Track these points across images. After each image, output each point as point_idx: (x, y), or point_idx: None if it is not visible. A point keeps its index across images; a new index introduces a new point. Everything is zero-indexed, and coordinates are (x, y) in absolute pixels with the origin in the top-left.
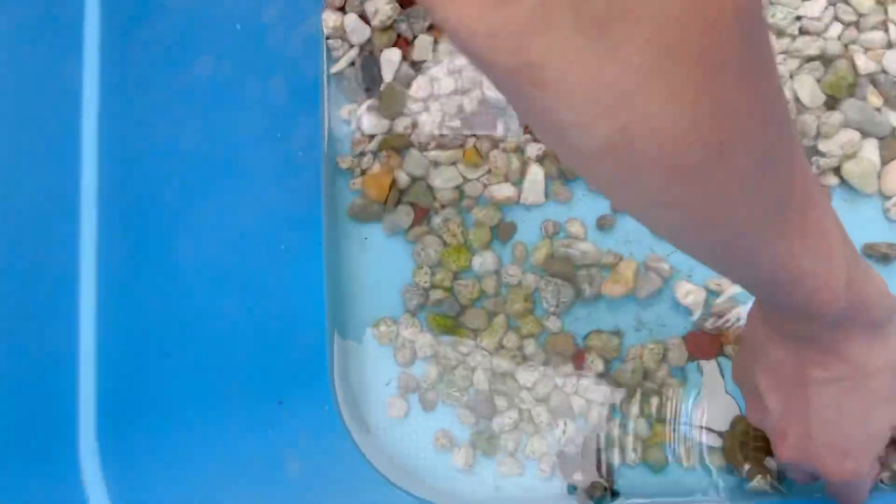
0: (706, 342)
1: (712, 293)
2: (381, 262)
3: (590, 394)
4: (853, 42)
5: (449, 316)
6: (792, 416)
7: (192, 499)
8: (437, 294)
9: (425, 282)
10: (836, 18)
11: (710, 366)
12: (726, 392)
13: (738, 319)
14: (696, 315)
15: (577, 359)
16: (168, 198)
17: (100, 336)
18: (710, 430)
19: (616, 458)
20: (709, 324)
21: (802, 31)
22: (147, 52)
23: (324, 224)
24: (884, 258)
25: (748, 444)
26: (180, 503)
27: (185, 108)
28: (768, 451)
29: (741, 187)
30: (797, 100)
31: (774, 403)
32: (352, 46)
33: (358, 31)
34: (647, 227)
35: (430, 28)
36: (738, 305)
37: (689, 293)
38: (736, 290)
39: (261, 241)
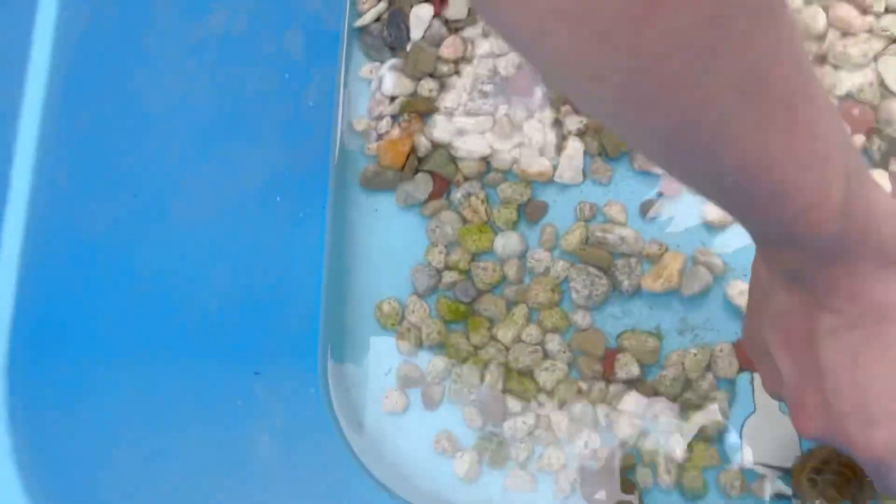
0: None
1: None
2: (392, 235)
3: (620, 402)
4: None
5: (463, 301)
6: (807, 379)
7: (123, 479)
8: (451, 276)
9: (439, 262)
10: None
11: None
12: (782, 413)
13: None
14: None
15: (608, 361)
16: (171, 152)
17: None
18: (765, 465)
19: (646, 480)
20: None
21: (889, 10)
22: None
23: (331, 189)
24: None
25: (823, 478)
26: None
27: (195, 62)
28: (850, 488)
29: (684, 53)
30: (882, 83)
31: (787, 367)
32: (379, 0)
33: None
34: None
35: None
36: None
37: (743, 293)
38: None
39: (260, 200)
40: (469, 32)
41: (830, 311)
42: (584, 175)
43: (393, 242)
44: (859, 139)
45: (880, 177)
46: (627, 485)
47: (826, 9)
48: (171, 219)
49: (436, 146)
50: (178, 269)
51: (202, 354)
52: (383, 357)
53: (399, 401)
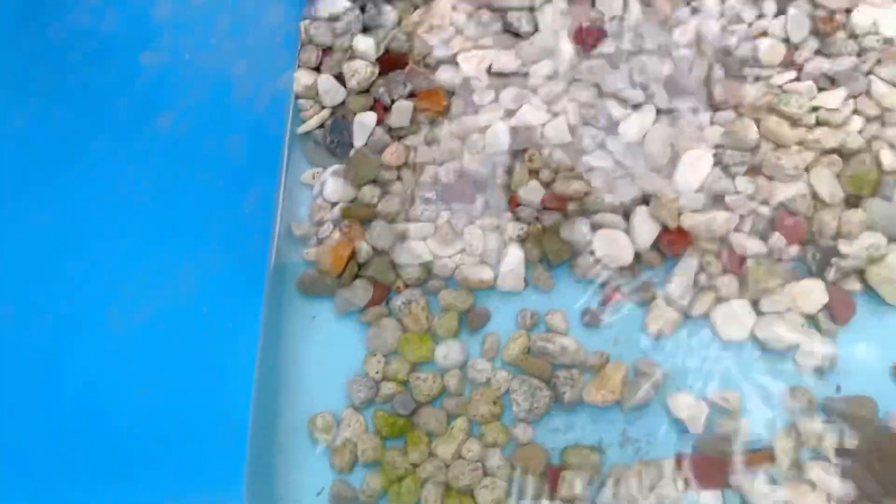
0: (708, 468)
1: (715, 409)
2: (329, 344)
3: None
4: (877, 137)
5: (401, 415)
6: None
7: None
8: (389, 387)
9: (377, 372)
10: (856, 111)
11: (711, 497)
12: None
13: (748, 440)
14: (695, 433)
15: (552, 478)
16: (109, 259)
17: None
18: None
19: None
20: (714, 445)
21: (820, 122)
22: (115, 110)
23: (266, 296)
24: None
25: None
26: None
27: (140, 168)
28: None
29: None
30: (815, 195)
31: None
32: (323, 107)
33: (332, 92)
34: None
35: (411, 95)
36: (747, 424)
37: (687, 407)
38: (745, 405)
39: (188, 311)
40: (411, 140)
41: None
42: (526, 282)
43: (330, 352)
44: (794, 249)
45: (816, 286)
46: None
47: (757, 121)
48: (101, 330)
49: (376, 252)
50: (98, 383)
51: (110, 480)
52: (316, 475)
53: None
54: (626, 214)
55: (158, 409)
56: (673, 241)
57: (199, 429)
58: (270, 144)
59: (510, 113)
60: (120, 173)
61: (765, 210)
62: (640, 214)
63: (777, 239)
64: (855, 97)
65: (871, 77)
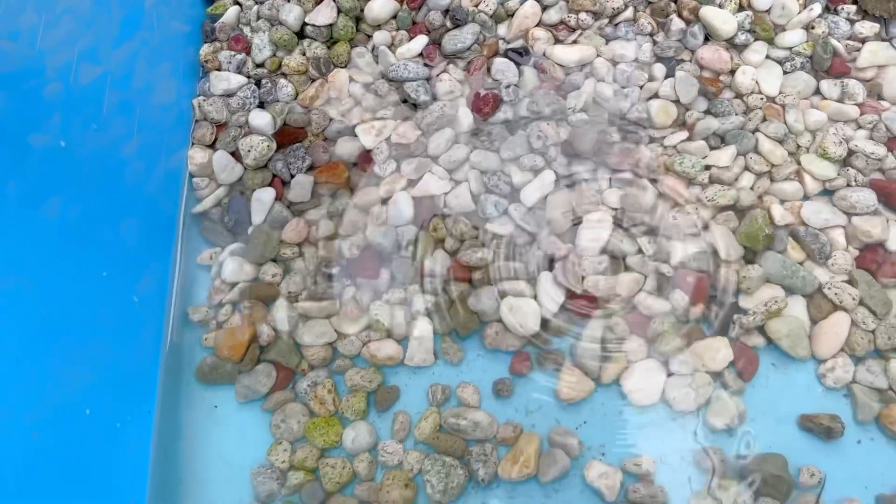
0: None
1: (630, 475)
2: (231, 435)
3: None
4: (767, 192)
5: None
6: None
7: None
8: (296, 477)
9: (283, 461)
10: (747, 168)
11: None
12: None
13: None
14: (612, 502)
15: None
16: None
17: None
18: None
19: None
20: None
21: (713, 180)
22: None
23: (160, 387)
24: (827, 433)
25: None
26: None
27: (24, 253)
28: None
29: None
30: (714, 252)
31: None
32: (220, 185)
33: (228, 169)
34: None
35: (311, 168)
36: (661, 489)
37: (602, 475)
38: (659, 469)
39: (70, 413)
40: (312, 215)
41: None
42: (436, 356)
43: (232, 442)
44: (698, 308)
45: (721, 343)
46: None
47: (654, 181)
48: None
49: (278, 334)
50: None
51: None
52: None
53: None
54: (533, 281)
55: None
56: (579, 306)
57: None
58: (164, 225)
59: (412, 183)
60: (2, 261)
61: (666, 269)
62: (546, 281)
63: (679, 298)
64: (744, 154)
65: (758, 134)
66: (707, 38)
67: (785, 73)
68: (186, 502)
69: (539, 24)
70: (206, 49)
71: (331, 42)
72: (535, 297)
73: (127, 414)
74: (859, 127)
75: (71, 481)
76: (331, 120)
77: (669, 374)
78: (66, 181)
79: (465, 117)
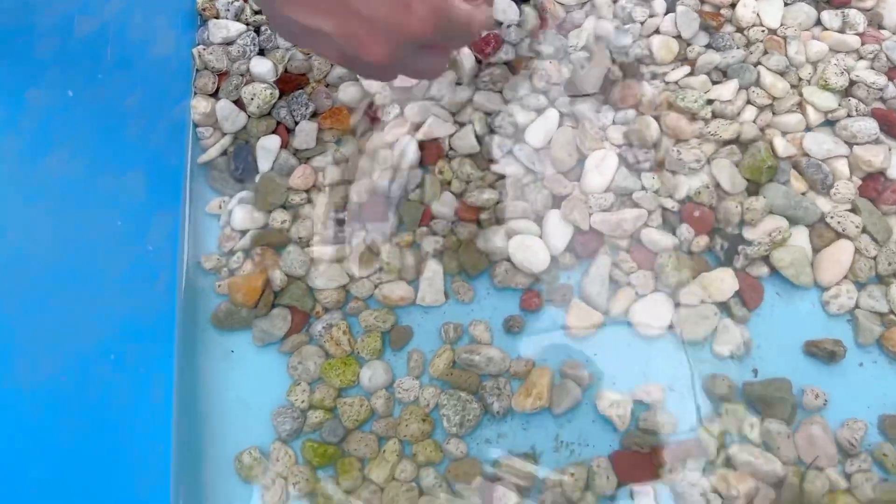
0: (637, 464)
1: (640, 404)
2: (249, 378)
3: None
4: (769, 125)
5: (330, 443)
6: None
7: None
8: (316, 416)
9: (302, 401)
10: (749, 102)
11: (643, 492)
12: None
13: (673, 432)
14: (623, 430)
15: (486, 490)
16: (4, 310)
17: None
18: None
19: None
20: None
21: (716, 115)
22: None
23: (178, 335)
24: (831, 356)
25: None
26: None
27: (34, 210)
28: None
29: None
30: (717, 185)
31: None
32: (224, 134)
33: (232, 117)
34: None
35: (314, 115)
36: (672, 416)
37: (613, 404)
38: (668, 397)
39: (96, 359)
40: (319, 161)
41: None
42: (446, 296)
43: (251, 385)
44: (703, 240)
45: (726, 274)
46: None
47: (657, 118)
48: (4, 385)
49: (291, 279)
50: (5, 446)
51: None
52: None
53: None
54: (539, 220)
55: (74, 463)
56: (586, 243)
57: (120, 479)
58: (171, 176)
59: (416, 126)
60: (12, 222)
61: (671, 204)
62: (553, 218)
63: (685, 231)
64: (746, 88)
65: (760, 67)
66: None
67: (786, 4)
68: (210, 443)
69: None
70: None
71: None
72: (542, 236)
73: (149, 359)
74: (860, 57)
75: (101, 425)
76: (332, 66)
77: (676, 306)
78: (64, 138)
79: (467, 59)
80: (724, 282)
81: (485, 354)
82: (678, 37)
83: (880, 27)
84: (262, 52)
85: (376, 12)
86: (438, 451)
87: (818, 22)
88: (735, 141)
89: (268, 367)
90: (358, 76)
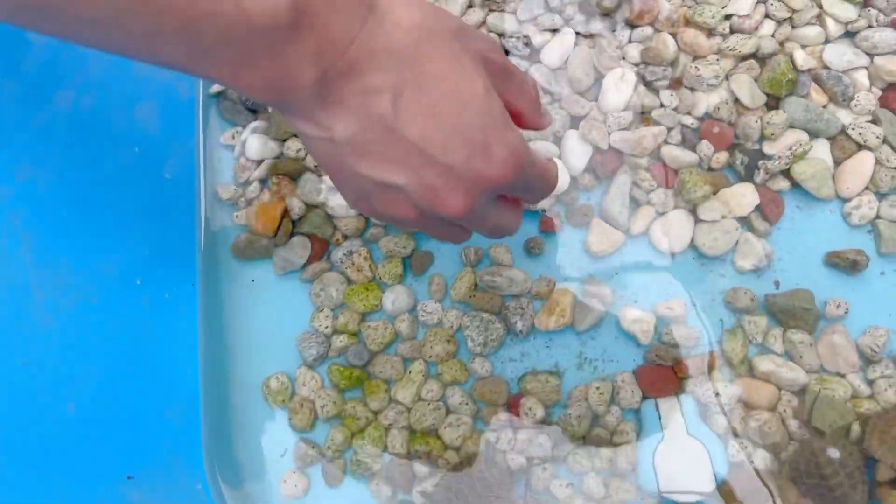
0: (661, 377)
1: (663, 319)
2: (272, 306)
3: (530, 448)
4: (788, 39)
5: (356, 366)
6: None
7: None
8: (340, 341)
9: (326, 327)
10: (767, 16)
11: (668, 404)
12: (690, 435)
13: (696, 345)
14: (646, 345)
15: (513, 407)
16: (22, 246)
17: None
18: (678, 492)
19: None
20: (661, 353)
21: (733, 30)
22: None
23: (200, 264)
24: (853, 266)
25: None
26: None
27: (45, 146)
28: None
29: None
30: (737, 101)
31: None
32: None
33: None
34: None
35: None
36: (694, 330)
37: (636, 320)
38: (690, 312)
39: (120, 285)
40: None
41: (306, 121)
42: None
43: (274, 313)
44: (723, 156)
45: (746, 189)
46: None
47: (674, 35)
48: (26, 317)
49: (310, 207)
50: (31, 369)
51: (61, 463)
52: (277, 438)
53: (299, 483)
54: (558, 141)
55: (104, 389)
56: (605, 162)
57: (149, 405)
58: (184, 108)
59: None
60: (24, 158)
61: (690, 121)
62: (571, 139)
63: (705, 147)
64: (764, 2)
65: None
66: None
67: None
68: (237, 369)
69: None
70: None
71: None
72: (561, 157)
73: (173, 286)
74: None
75: (129, 349)
76: None
77: (697, 222)
78: (73, 74)
79: None
80: (744, 196)
81: (506, 276)
82: None
83: None
84: None
85: (454, 158)
86: (464, 371)
87: None
88: (754, 56)
89: (290, 294)
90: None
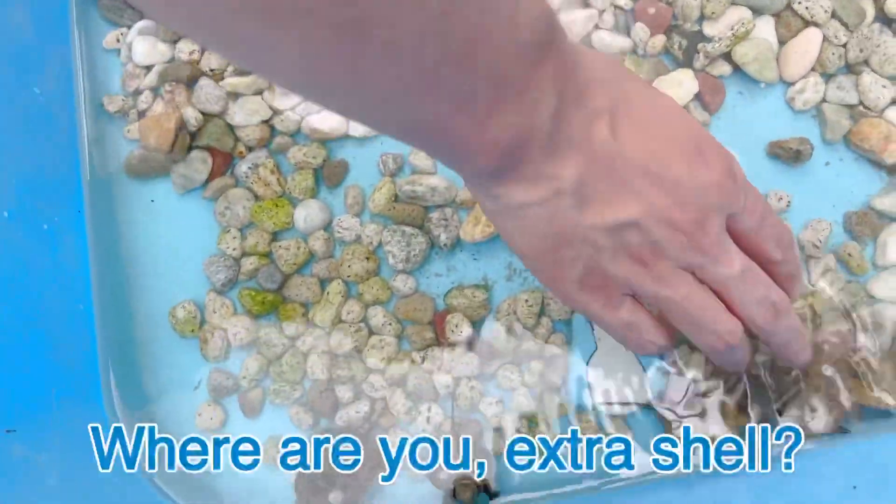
0: None
1: None
2: (175, 228)
3: (457, 367)
4: None
5: (268, 290)
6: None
7: None
8: (250, 263)
9: (234, 249)
10: None
11: None
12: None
13: None
14: None
15: (438, 325)
16: None
17: None
18: (615, 403)
19: (497, 445)
20: None
21: None
22: None
23: (87, 188)
24: (796, 156)
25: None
26: None
27: None
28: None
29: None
30: None
31: (525, 254)
32: None
33: None
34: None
35: None
36: None
37: None
38: None
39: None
40: None
41: (494, 200)
42: None
43: (178, 235)
44: (659, 40)
45: (685, 76)
46: (478, 453)
47: None
48: None
49: (207, 117)
50: None
51: None
52: (188, 370)
53: (215, 415)
54: None
55: None
56: None
57: (34, 350)
58: (55, 8)
59: None
60: None
61: (624, 2)
62: None
63: (640, 31)
64: None
65: None
66: None
67: None
68: (139, 300)
69: None
70: None
71: None
72: None
73: (54, 216)
74: None
75: (7, 290)
76: None
77: None
78: None
79: None
80: (682, 84)
81: (428, 184)
82: None
83: None
84: None
85: (678, 171)
86: (386, 289)
87: None
88: None
89: (193, 214)
90: None
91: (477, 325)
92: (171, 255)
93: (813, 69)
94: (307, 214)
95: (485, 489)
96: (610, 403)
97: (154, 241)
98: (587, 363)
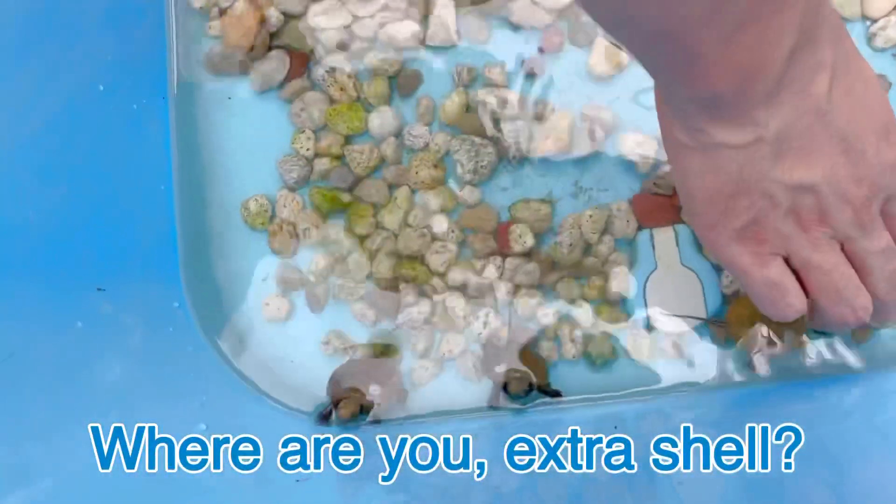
0: (658, 206)
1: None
2: (250, 125)
3: (517, 276)
4: None
5: (340, 189)
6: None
7: None
8: (323, 164)
9: (307, 149)
10: None
11: (663, 235)
12: (683, 265)
13: None
14: (645, 173)
15: (501, 234)
16: None
17: None
18: (678, 316)
19: (551, 353)
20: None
21: None
22: None
23: (171, 80)
24: None
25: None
26: None
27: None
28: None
29: None
30: None
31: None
32: None
33: None
34: None
35: None
36: None
37: (638, 144)
38: None
39: (85, 96)
40: None
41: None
42: (459, 35)
43: (253, 133)
44: None
45: None
46: (531, 359)
47: None
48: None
49: (288, 17)
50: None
51: (26, 273)
52: (257, 261)
53: (281, 307)
54: None
55: (70, 197)
56: None
57: (121, 217)
58: None
59: None
60: None
61: None
62: None
63: None
64: None
65: None
66: None
67: None
68: (213, 190)
69: None
70: None
71: None
72: None
73: (142, 98)
74: None
75: (97, 158)
76: None
77: None
78: None
79: None
80: None
81: (500, 97)
82: None
83: None
84: None
85: (866, 144)
86: (452, 198)
87: None
88: None
89: (269, 114)
90: None
91: (540, 237)
92: (246, 151)
93: (895, 9)
94: (380, 121)
95: (544, 390)
96: (669, 318)
97: (231, 137)
98: (646, 280)
